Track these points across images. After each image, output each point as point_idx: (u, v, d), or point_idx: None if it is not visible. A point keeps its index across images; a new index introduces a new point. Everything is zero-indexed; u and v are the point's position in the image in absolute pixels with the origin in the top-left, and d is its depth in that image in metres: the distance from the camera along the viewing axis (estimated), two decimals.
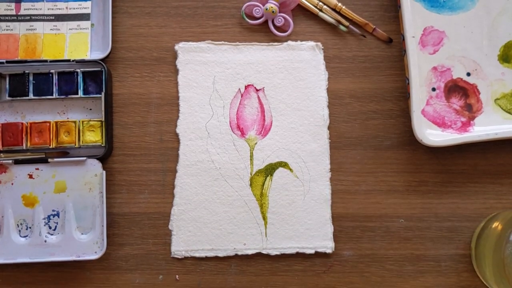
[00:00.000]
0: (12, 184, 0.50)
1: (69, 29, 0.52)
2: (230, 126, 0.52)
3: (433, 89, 0.51)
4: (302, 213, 0.51)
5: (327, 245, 0.50)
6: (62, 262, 0.50)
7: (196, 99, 0.52)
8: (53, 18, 0.53)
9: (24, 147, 0.50)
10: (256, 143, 0.52)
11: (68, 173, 0.50)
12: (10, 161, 0.50)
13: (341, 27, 0.53)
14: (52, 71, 0.51)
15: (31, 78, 0.51)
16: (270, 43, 0.53)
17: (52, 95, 0.51)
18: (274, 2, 0.52)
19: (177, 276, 0.50)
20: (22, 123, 0.50)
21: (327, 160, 0.51)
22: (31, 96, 0.51)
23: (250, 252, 0.50)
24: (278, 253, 0.50)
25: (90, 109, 0.52)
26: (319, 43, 0.53)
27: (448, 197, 0.52)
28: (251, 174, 0.51)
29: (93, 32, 0.53)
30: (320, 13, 0.54)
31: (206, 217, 0.50)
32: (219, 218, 0.50)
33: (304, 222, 0.50)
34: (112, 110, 0.52)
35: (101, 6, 0.53)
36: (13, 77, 0.51)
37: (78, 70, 0.51)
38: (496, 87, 0.51)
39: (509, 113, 0.51)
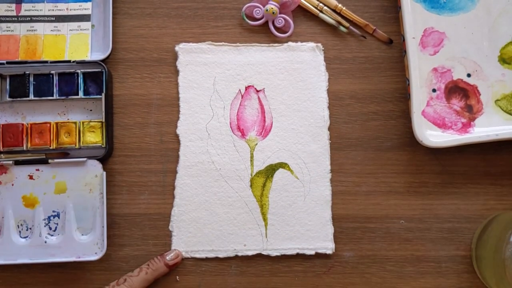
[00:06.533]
0: (13, 185, 0.50)
1: (70, 30, 0.52)
2: (231, 127, 0.52)
3: (434, 90, 0.51)
4: (303, 214, 0.51)
5: (328, 246, 0.50)
6: (63, 263, 0.50)
7: (197, 100, 0.52)
8: (54, 19, 0.53)
9: (25, 148, 0.50)
10: (256, 144, 0.52)
11: (69, 174, 0.50)
12: (11, 162, 0.50)
13: (342, 28, 0.53)
14: (52, 72, 0.51)
15: (31, 79, 0.51)
16: (271, 44, 0.53)
17: (52, 96, 0.51)
18: (275, 3, 0.52)
19: (177, 277, 0.50)
20: (22, 124, 0.50)
21: (327, 161, 0.51)
22: (31, 97, 0.51)
23: (250, 253, 0.50)
24: (278, 254, 0.50)
25: (91, 110, 0.52)
26: (319, 44, 0.53)
27: (448, 198, 0.52)
28: (251, 175, 0.51)
29: (93, 33, 0.53)
30: (321, 14, 0.54)
31: (206, 218, 0.50)
32: (219, 219, 0.50)
33: (304, 223, 0.50)
34: (112, 111, 0.52)
35: (101, 7, 0.53)
36: (14, 78, 0.51)
37: (79, 71, 0.51)
38: (497, 88, 0.51)
39: (510, 114, 0.51)
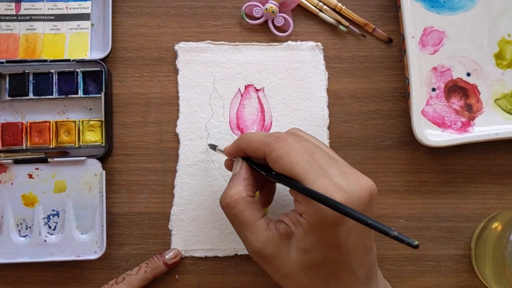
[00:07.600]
0: (12, 183, 0.50)
1: (69, 29, 0.52)
2: (230, 126, 0.52)
3: (433, 89, 0.51)
4: None
5: None
6: (62, 262, 0.50)
7: (196, 99, 0.52)
8: (53, 18, 0.53)
9: (24, 147, 0.50)
10: None
11: (68, 173, 0.50)
12: (10, 160, 0.50)
13: (341, 27, 0.53)
14: (52, 71, 0.51)
15: (31, 77, 0.51)
16: (270, 43, 0.53)
17: (52, 94, 0.51)
18: (274, 2, 0.52)
19: (176, 276, 0.50)
20: (22, 123, 0.50)
21: None
22: (31, 95, 0.51)
23: None
24: None
25: (90, 109, 0.52)
26: (319, 43, 0.53)
27: (448, 197, 0.52)
28: None
29: (93, 32, 0.53)
30: (320, 13, 0.54)
31: (205, 217, 0.50)
32: (218, 218, 0.50)
33: None
34: (112, 110, 0.52)
35: (101, 6, 0.53)
36: (13, 76, 0.51)
37: (78, 70, 0.51)
38: (496, 87, 0.51)
39: (509, 113, 0.51)
